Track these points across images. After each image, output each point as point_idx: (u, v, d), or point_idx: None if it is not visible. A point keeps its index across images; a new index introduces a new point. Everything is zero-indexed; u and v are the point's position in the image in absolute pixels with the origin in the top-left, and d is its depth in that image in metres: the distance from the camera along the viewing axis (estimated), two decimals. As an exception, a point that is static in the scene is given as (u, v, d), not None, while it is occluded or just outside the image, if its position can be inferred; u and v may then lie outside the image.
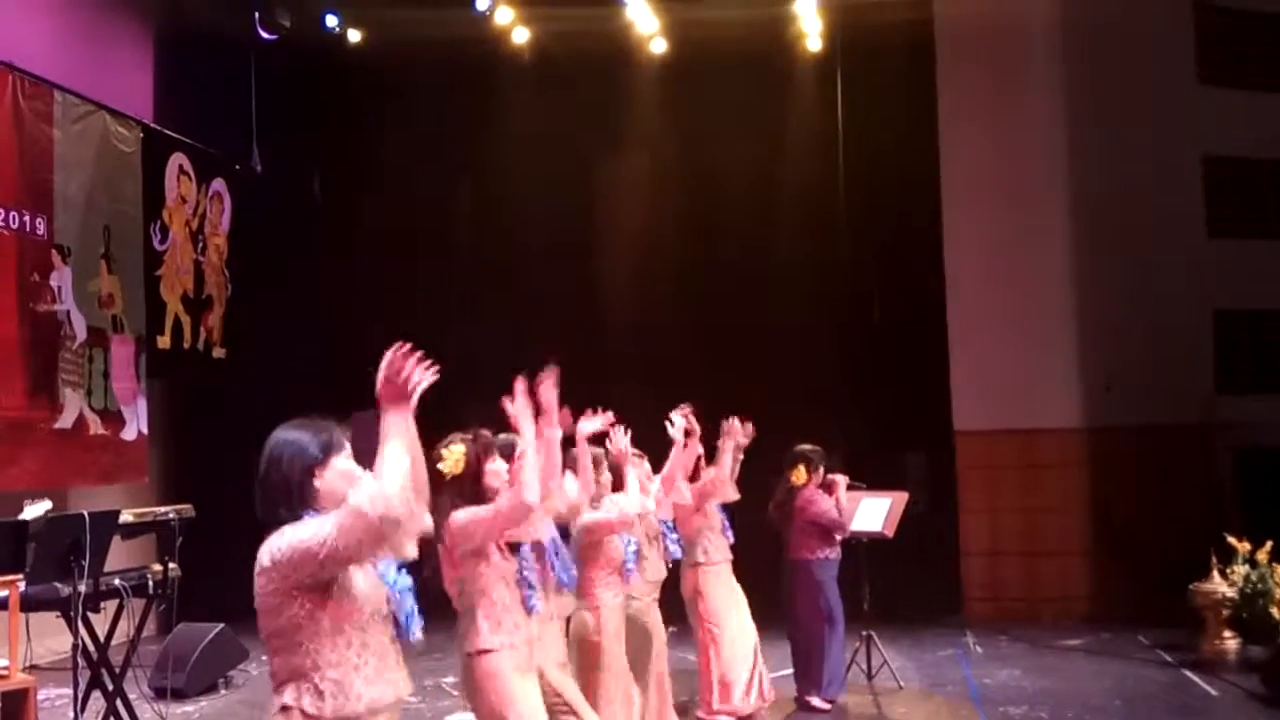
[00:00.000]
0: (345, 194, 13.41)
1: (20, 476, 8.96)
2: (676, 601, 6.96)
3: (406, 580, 3.17)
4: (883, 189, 12.45)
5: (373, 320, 13.37)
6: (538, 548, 4.61)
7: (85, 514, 6.30)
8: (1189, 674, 8.63)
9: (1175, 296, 11.61)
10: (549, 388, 4.45)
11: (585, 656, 5.37)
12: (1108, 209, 11.42)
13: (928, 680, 8.69)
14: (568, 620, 5.33)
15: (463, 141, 13.01)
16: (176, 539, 7.11)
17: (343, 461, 3.03)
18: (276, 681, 2.94)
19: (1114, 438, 11.30)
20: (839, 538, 7.81)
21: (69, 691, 6.63)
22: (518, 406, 4.27)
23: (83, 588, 6.12)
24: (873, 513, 8.19)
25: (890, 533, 8.14)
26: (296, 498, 2.95)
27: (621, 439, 5.63)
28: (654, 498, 6.03)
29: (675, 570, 6.69)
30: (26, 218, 9.33)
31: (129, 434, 10.54)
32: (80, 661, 6.40)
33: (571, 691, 4.89)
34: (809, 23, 12.52)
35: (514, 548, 4.37)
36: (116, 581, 6.62)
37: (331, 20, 12.86)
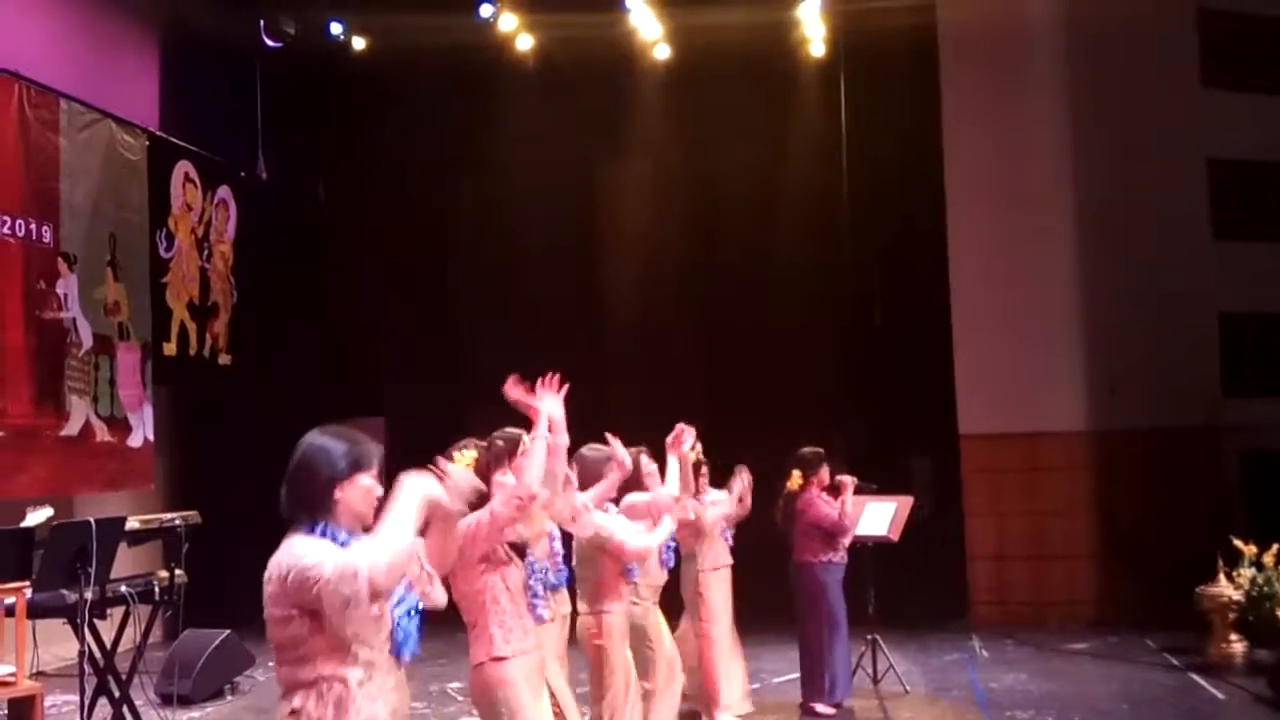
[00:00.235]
0: (350, 201, 13.41)
1: (28, 484, 8.97)
2: (676, 602, 7.03)
3: (414, 598, 3.15)
4: (886, 192, 12.44)
5: (377, 327, 13.46)
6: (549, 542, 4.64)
7: (92, 521, 6.32)
8: (1195, 677, 8.62)
9: (1180, 299, 11.58)
10: (555, 400, 4.38)
11: (592, 660, 5.42)
12: (1112, 212, 11.41)
13: (933, 685, 8.68)
14: (568, 620, 5.40)
15: (467, 148, 13.01)
16: (183, 545, 7.14)
17: (367, 479, 3.00)
18: (284, 688, 2.96)
19: (1119, 441, 11.28)
20: (843, 541, 7.81)
21: (76, 698, 6.66)
22: (519, 393, 4.28)
23: (89, 594, 6.14)
24: (878, 517, 8.18)
25: (895, 537, 8.14)
26: (315, 505, 2.95)
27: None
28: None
29: (674, 573, 6.72)
30: (33, 225, 9.35)
31: (135, 441, 10.56)
32: (87, 668, 6.44)
33: (564, 696, 4.93)
34: (812, 28, 12.51)
35: (521, 553, 4.38)
36: (123, 588, 6.66)
37: (336, 28, 12.89)
